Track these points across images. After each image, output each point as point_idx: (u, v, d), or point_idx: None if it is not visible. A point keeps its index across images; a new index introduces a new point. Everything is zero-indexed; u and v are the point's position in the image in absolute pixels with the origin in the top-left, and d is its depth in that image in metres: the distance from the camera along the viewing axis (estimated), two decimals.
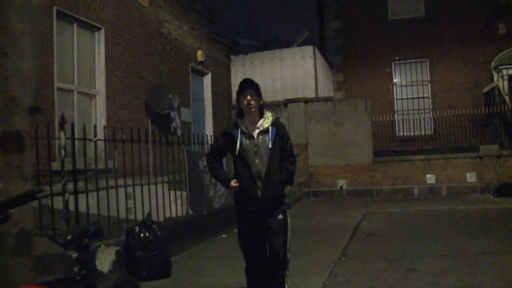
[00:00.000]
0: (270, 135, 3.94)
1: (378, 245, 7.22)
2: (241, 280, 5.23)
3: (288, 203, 4.16)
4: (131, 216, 6.41)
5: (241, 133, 3.96)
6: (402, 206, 11.60)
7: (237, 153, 3.92)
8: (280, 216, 3.96)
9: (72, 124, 5.13)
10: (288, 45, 17.08)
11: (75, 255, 2.06)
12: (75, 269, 2.12)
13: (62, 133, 4.80)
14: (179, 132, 9.85)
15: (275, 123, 4.01)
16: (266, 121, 4.00)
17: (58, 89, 8.13)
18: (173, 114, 10.38)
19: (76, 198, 5.02)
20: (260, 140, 3.94)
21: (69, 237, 2.10)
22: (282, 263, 3.94)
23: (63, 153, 4.85)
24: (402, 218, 9.84)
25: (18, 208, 1.83)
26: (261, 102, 4.01)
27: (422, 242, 7.15)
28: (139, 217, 6.13)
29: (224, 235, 8.08)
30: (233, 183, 3.96)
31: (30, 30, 2.17)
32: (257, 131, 3.97)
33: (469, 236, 7.57)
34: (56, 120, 7.59)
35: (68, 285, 2.05)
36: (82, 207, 5.68)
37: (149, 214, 5.79)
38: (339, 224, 9.08)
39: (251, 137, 3.96)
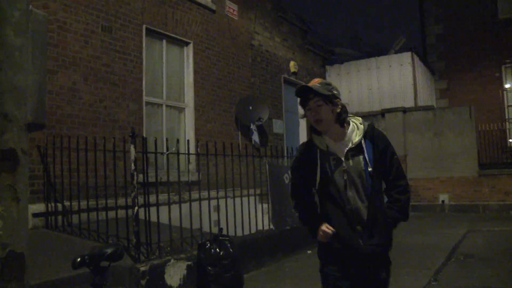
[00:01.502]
0: (366, 153, 2.75)
1: (477, 270, 6.48)
2: None
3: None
4: (216, 230, 6.35)
5: (321, 156, 2.80)
6: None
7: (317, 186, 2.82)
8: (383, 275, 2.80)
9: (144, 138, 5.16)
10: (385, 53, 16.41)
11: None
12: None
13: (132, 146, 4.83)
14: (257, 144, 9.76)
15: (369, 133, 2.81)
16: (355, 133, 2.81)
17: (147, 103, 8.36)
18: (253, 126, 10.29)
19: (147, 211, 5.04)
20: (351, 163, 2.76)
21: (78, 259, 1.98)
22: None
23: (133, 167, 4.88)
24: (511, 239, 8.86)
25: (8, 229, 1.74)
26: (337, 110, 2.76)
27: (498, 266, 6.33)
28: (225, 231, 6.03)
29: (309, 251, 7.75)
30: (325, 228, 2.76)
31: (33, 44, 2.10)
32: (344, 150, 2.79)
33: None
34: (144, 133, 7.82)
35: None
36: (165, 220, 5.72)
37: (222, 229, 5.66)
38: (436, 243, 8.36)
39: (336, 160, 2.79)
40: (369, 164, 2.72)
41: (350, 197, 2.74)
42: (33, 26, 2.09)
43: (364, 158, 2.74)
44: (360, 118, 2.90)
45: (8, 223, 1.79)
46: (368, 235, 2.71)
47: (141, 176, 5.29)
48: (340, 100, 2.79)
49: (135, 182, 4.87)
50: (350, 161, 2.76)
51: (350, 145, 2.77)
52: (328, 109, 2.73)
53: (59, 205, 6.18)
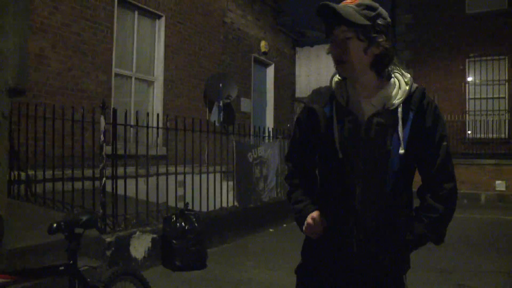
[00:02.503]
0: (400, 127, 1.85)
1: (430, 253, 6.77)
2: (279, 278, 5.10)
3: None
4: (181, 205, 6.40)
5: (337, 112, 1.93)
6: (466, 213, 10.92)
7: (329, 154, 1.93)
8: None
9: (114, 109, 5.14)
10: None
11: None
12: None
13: (102, 118, 4.82)
14: (217, 124, 9.79)
15: (415, 99, 1.89)
16: (395, 92, 1.91)
17: (116, 74, 8.27)
18: (219, 104, 10.32)
19: (114, 183, 5.05)
20: (373, 136, 1.88)
21: (54, 225, 2.02)
22: None
23: (102, 138, 4.87)
24: (463, 226, 9.24)
25: None
26: (376, 51, 1.85)
27: (480, 255, 6.64)
28: (190, 206, 6.08)
29: (271, 229, 7.92)
30: (314, 218, 1.97)
31: (13, 7, 2.11)
32: (372, 109, 1.90)
33: None
34: (112, 104, 7.74)
35: (49, 274, 1.96)
36: (132, 193, 5.74)
37: (188, 203, 5.73)
38: None
39: (354, 124, 1.90)
40: (402, 144, 1.82)
41: (359, 187, 1.88)
42: None
43: (397, 133, 1.84)
44: (408, 76, 1.97)
45: None
46: (369, 242, 1.88)
47: (108, 148, 5.29)
48: (387, 36, 1.85)
49: (103, 153, 4.87)
50: (373, 132, 1.87)
51: (382, 105, 1.89)
52: (360, 46, 1.83)
53: (23, 174, 6.09)
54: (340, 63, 1.87)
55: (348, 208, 1.88)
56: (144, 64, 9.13)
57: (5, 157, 1.94)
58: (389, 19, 1.89)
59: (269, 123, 13.64)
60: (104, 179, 4.84)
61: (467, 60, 17.38)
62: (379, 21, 1.84)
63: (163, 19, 9.39)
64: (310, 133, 2.01)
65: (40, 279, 1.86)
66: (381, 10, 1.88)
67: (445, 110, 15.36)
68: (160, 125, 6.81)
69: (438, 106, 1.95)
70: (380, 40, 1.83)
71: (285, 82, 15.00)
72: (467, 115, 16.67)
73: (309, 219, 1.96)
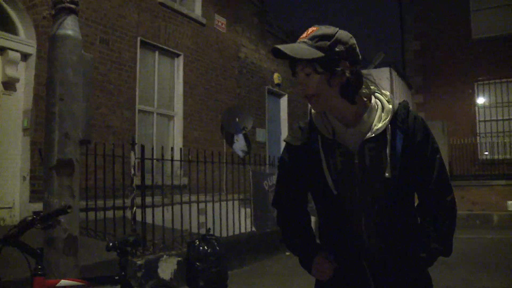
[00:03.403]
0: (389, 148, 1.78)
1: (439, 273, 7.15)
2: None
3: None
4: (202, 231, 6.93)
5: (324, 146, 1.86)
6: (478, 233, 11.24)
7: (324, 191, 1.86)
8: None
9: (142, 146, 5.73)
10: (366, 65, 17.18)
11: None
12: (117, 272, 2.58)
13: (132, 153, 5.39)
14: (240, 154, 10.37)
15: (400, 117, 1.83)
16: (378, 115, 1.84)
17: (139, 111, 8.91)
18: (236, 137, 10.92)
19: (143, 212, 5.60)
20: (368, 162, 1.80)
21: (110, 244, 2.55)
22: None
23: (132, 171, 5.45)
24: (475, 246, 9.59)
25: (68, 219, 2.34)
26: (341, 80, 1.78)
27: (489, 273, 6.98)
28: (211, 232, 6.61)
29: (287, 253, 8.37)
30: (322, 261, 1.88)
31: (83, 80, 2.72)
32: (361, 136, 1.82)
33: None
34: (137, 139, 8.35)
35: (107, 283, 2.50)
36: (158, 220, 6.28)
37: (210, 229, 6.25)
38: None
39: (346, 155, 1.83)
40: (388, 167, 1.76)
41: (363, 218, 1.80)
42: (83, 65, 2.69)
43: (386, 154, 1.77)
44: (388, 94, 1.89)
45: (68, 214, 2.37)
46: (388, 278, 1.81)
47: (135, 179, 5.84)
48: (350, 61, 1.77)
49: (134, 185, 5.43)
50: (368, 160, 1.79)
51: (368, 134, 1.80)
52: (321, 79, 1.76)
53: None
54: (308, 98, 1.80)
55: (355, 243, 1.80)
56: (164, 100, 9.78)
57: (78, 191, 2.52)
58: (351, 42, 1.79)
59: None
60: (134, 208, 5.39)
61: (475, 83, 17.82)
62: (337, 48, 1.74)
63: (181, 57, 10.08)
64: (296, 173, 1.92)
65: (102, 285, 2.39)
66: (339, 35, 1.77)
67: (457, 132, 15.76)
68: (181, 157, 7.39)
69: (424, 119, 1.87)
70: (341, 68, 1.75)
71: (298, 111, 15.57)
72: (478, 137, 17.02)
73: (315, 265, 1.86)
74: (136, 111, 8.76)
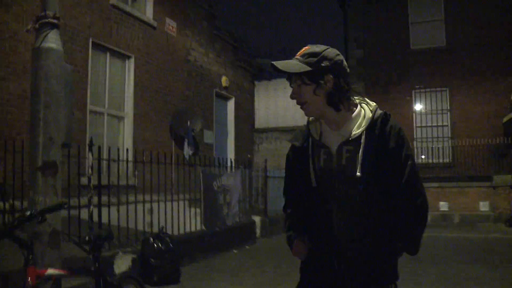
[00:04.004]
0: (362, 150, 2.05)
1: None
2: None
3: None
4: (150, 230, 7.15)
5: (312, 147, 2.19)
6: None
7: (311, 186, 2.17)
8: None
9: (99, 147, 5.91)
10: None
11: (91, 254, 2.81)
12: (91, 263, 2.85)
13: (90, 154, 5.57)
14: (187, 157, 10.64)
15: (379, 125, 2.08)
16: (359, 122, 2.11)
17: (91, 111, 9.00)
18: (186, 140, 11.18)
19: (99, 211, 5.78)
20: (344, 162, 2.09)
21: (86, 238, 2.80)
22: None
23: (90, 172, 5.62)
24: None
25: (51, 215, 2.58)
26: (325, 90, 2.07)
27: (415, 263, 7.56)
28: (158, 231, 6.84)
29: (235, 251, 8.72)
30: (299, 243, 2.23)
31: (65, 89, 2.97)
32: (341, 140, 2.12)
33: (465, 262, 8.03)
34: (87, 139, 8.45)
35: (85, 272, 2.75)
36: (106, 218, 6.44)
37: (163, 227, 6.50)
38: None
39: (327, 155, 2.13)
40: (359, 168, 2.02)
41: (334, 212, 2.11)
42: (64, 76, 2.93)
43: (358, 156, 2.04)
44: (373, 104, 2.16)
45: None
46: (347, 267, 2.09)
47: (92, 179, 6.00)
48: (335, 75, 2.05)
49: (91, 184, 5.60)
50: (344, 160, 2.07)
51: (347, 136, 2.08)
52: (309, 89, 2.07)
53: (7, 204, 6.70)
54: (300, 105, 2.12)
55: (327, 230, 2.09)
56: (115, 101, 9.90)
57: (59, 190, 2.76)
58: (336, 58, 2.07)
59: (231, 153, 14.51)
60: (91, 207, 5.56)
61: (413, 91, 18.87)
62: (323, 64, 2.03)
63: (132, 59, 10.21)
64: (296, 167, 2.24)
65: (80, 275, 2.66)
66: (326, 52, 2.07)
67: None
68: (135, 158, 7.58)
69: (402, 129, 2.09)
70: (325, 81, 2.04)
71: (244, 114, 15.97)
72: (415, 141, 18.02)
73: (294, 246, 2.21)
74: (88, 112, 8.85)
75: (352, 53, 19.98)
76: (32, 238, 2.49)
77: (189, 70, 12.51)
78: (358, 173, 2.01)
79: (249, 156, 13.77)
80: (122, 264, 5.75)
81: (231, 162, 10.21)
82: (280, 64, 2.08)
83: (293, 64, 2.07)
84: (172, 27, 11.75)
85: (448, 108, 18.50)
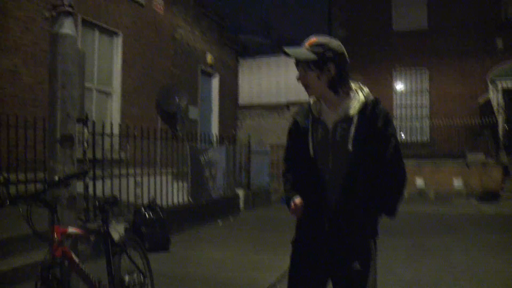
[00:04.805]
0: (354, 129, 2.40)
1: None
2: (228, 256, 6.35)
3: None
4: (139, 201, 7.51)
5: (312, 122, 2.52)
6: None
7: (309, 156, 2.48)
8: (357, 266, 2.42)
9: (93, 122, 6.21)
10: (295, 44, 18.07)
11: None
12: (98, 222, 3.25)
13: (86, 129, 5.88)
14: (180, 133, 10.95)
15: (369, 108, 2.43)
16: (352, 104, 2.46)
17: None
18: (179, 116, 11.48)
19: (94, 183, 6.12)
20: (338, 138, 2.43)
21: (97, 203, 3.19)
22: None
23: (86, 145, 5.94)
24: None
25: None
26: (327, 76, 2.41)
27: (393, 237, 8.10)
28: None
29: (220, 222, 9.16)
30: (293, 204, 2.52)
31: (78, 71, 3.32)
32: (337, 118, 2.45)
33: (435, 233, 8.61)
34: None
35: (95, 234, 3.17)
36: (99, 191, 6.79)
37: (154, 198, 6.88)
38: None
39: (324, 130, 2.48)
40: (350, 142, 2.37)
41: (327, 178, 2.43)
42: (78, 59, 3.28)
43: (350, 133, 2.38)
44: (366, 89, 2.51)
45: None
46: (336, 224, 2.42)
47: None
48: (336, 63, 2.39)
49: (87, 158, 5.92)
50: (338, 135, 2.42)
51: (341, 116, 2.43)
52: (313, 74, 2.41)
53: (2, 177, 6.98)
54: (305, 87, 2.47)
55: (319, 196, 2.43)
56: (104, 78, 10.12)
57: (76, 160, 3.15)
58: (339, 50, 2.41)
59: (215, 129, 14.85)
60: (87, 180, 5.89)
61: (393, 71, 19.34)
62: (327, 54, 2.36)
63: (120, 36, 10.41)
64: (296, 139, 2.56)
65: (92, 235, 3.07)
66: (331, 43, 2.41)
67: None
68: (127, 133, 7.88)
69: (389, 113, 2.46)
70: (328, 68, 2.37)
71: (229, 91, 16.26)
72: (395, 120, 18.57)
73: (292, 205, 2.50)
74: None
75: (335, 33, 20.29)
76: (55, 201, 2.83)
77: (175, 48, 12.73)
78: (349, 147, 2.36)
79: (233, 132, 14.13)
80: (115, 232, 6.11)
81: (217, 137, 10.57)
82: (290, 51, 2.42)
83: (302, 52, 2.40)
84: (159, 4, 11.93)
85: (428, 88, 19.02)
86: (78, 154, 6.74)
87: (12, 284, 4.55)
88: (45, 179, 3.34)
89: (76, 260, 2.85)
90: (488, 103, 17.29)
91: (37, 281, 2.56)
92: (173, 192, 8.42)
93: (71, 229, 2.95)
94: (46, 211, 2.71)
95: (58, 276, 2.59)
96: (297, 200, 2.50)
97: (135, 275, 3.55)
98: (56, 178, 2.78)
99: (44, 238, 2.67)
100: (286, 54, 2.44)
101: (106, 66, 10.23)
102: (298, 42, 2.56)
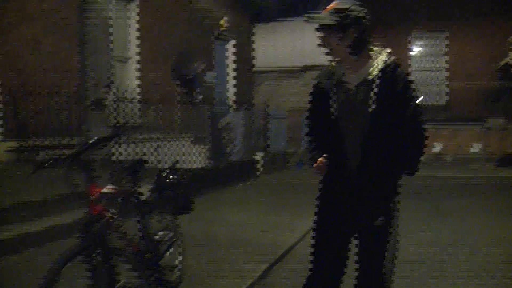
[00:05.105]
0: (375, 90, 2.45)
1: None
2: (247, 218, 6.53)
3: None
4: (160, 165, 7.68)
5: (336, 84, 2.59)
6: None
7: (331, 117, 2.55)
8: (379, 222, 2.52)
9: (117, 88, 6.33)
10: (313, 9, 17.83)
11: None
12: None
13: (111, 95, 6.01)
14: (199, 99, 11.03)
15: (388, 70, 2.48)
16: (373, 66, 2.51)
17: None
18: (197, 82, 11.53)
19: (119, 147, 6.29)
20: (359, 99, 2.50)
21: (127, 163, 3.31)
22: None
23: (110, 110, 6.07)
24: (406, 180, 10.88)
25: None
26: (348, 41, 2.46)
27: (412, 200, 8.13)
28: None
29: (238, 186, 9.34)
30: (316, 163, 2.67)
31: (106, 39, 3.43)
32: (358, 80, 2.52)
33: (451, 197, 8.72)
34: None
35: (125, 194, 3.33)
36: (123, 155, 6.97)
37: (177, 160, 7.01)
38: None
39: (346, 92, 2.55)
40: (372, 103, 2.42)
41: (349, 138, 2.52)
42: (104, 27, 3.37)
43: (372, 94, 2.44)
44: (387, 52, 2.57)
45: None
46: (358, 177, 2.51)
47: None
48: (356, 28, 2.44)
49: (111, 124, 6.06)
50: (359, 97, 2.49)
51: (362, 78, 2.50)
52: (334, 39, 2.48)
53: (29, 142, 7.17)
54: (327, 51, 2.54)
55: (342, 155, 2.53)
56: (120, 44, 10.17)
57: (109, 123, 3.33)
58: (360, 14, 2.45)
59: (231, 94, 14.87)
60: (112, 145, 6.04)
61: (410, 34, 19.02)
62: (347, 19, 2.41)
63: (135, 2, 10.42)
64: (319, 102, 2.65)
65: (122, 195, 3.22)
66: (351, 9, 2.44)
67: None
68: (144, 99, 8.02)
69: (409, 75, 2.53)
70: (349, 32, 2.43)
71: (244, 56, 16.19)
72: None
73: (315, 163, 2.65)
74: None
75: None
76: (91, 161, 2.96)
77: (190, 12, 12.67)
78: (370, 108, 2.42)
79: (250, 96, 14.17)
80: (141, 194, 6.30)
81: (234, 102, 10.64)
82: (311, 16, 2.50)
83: (323, 18, 2.47)
84: None
85: (446, 50, 18.70)
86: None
87: (52, 241, 4.83)
88: (81, 141, 3.50)
89: (113, 217, 2.99)
90: (507, 66, 16.98)
91: (77, 238, 2.72)
92: (193, 156, 8.59)
93: (106, 188, 3.09)
94: (79, 175, 2.84)
95: (96, 232, 2.73)
96: (320, 159, 2.62)
97: (165, 232, 3.73)
98: (93, 139, 2.90)
99: (81, 197, 2.81)
100: (308, 21, 2.50)
101: (123, 33, 10.27)
102: (312, 6, 2.63)
